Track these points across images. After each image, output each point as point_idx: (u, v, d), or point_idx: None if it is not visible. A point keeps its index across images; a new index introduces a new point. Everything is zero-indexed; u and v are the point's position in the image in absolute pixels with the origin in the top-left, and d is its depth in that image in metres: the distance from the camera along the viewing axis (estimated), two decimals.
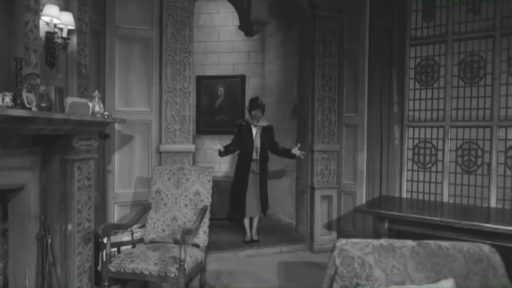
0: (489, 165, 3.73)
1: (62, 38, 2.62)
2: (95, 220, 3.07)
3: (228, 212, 4.86)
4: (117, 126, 3.63)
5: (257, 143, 4.47)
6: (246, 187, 4.51)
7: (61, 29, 2.63)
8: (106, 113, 2.96)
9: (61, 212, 2.71)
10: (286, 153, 4.50)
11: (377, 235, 3.27)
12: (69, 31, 2.68)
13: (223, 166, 5.98)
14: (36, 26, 2.41)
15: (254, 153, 4.45)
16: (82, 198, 2.81)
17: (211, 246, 4.03)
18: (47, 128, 2.33)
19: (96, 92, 2.94)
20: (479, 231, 2.81)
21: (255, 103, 4.50)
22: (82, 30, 2.89)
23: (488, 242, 1.98)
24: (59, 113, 2.44)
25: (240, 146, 4.52)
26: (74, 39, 2.81)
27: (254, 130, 4.51)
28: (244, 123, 4.54)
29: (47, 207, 2.69)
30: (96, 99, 2.88)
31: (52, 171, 2.69)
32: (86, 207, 2.86)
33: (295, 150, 4.39)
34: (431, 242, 1.77)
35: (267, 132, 4.56)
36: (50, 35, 2.53)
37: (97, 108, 2.84)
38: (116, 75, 3.65)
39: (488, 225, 2.81)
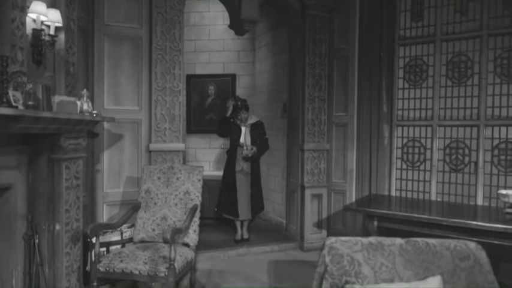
0: (476, 163, 3.79)
1: (49, 35, 2.58)
2: (84, 220, 3.03)
3: (217, 212, 4.79)
4: (106, 125, 3.60)
5: (247, 140, 4.42)
6: (234, 186, 4.46)
7: (48, 27, 2.59)
8: (95, 112, 2.93)
9: (49, 212, 2.68)
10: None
11: (366, 233, 3.30)
12: (57, 28, 2.64)
13: (214, 165, 5.97)
14: (23, 23, 2.37)
15: (246, 151, 4.41)
16: (70, 197, 2.78)
17: (202, 246, 4.02)
18: (34, 127, 2.29)
19: (85, 90, 2.91)
20: (466, 229, 2.86)
21: (237, 107, 4.50)
22: (70, 28, 2.85)
23: (474, 239, 2.01)
24: (46, 112, 2.40)
25: (228, 135, 4.62)
26: (62, 36, 2.77)
27: (243, 128, 4.50)
28: (232, 120, 4.53)
29: (34, 206, 2.65)
30: (85, 98, 2.85)
31: (39, 170, 2.65)
32: (74, 206, 2.83)
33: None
34: (420, 239, 1.79)
35: (256, 129, 4.50)
36: (36, 32, 2.49)
37: (85, 107, 2.81)
38: (105, 73, 3.62)
39: (474, 222, 2.86)
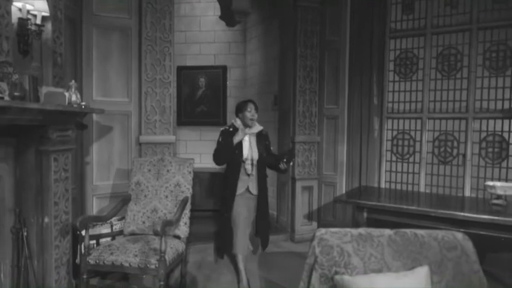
0: (464, 155, 3.85)
1: (35, 25, 2.52)
2: (73, 212, 3.00)
3: (216, 250, 3.69)
4: (95, 116, 3.56)
5: (254, 154, 3.33)
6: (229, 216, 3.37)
7: (35, 16, 2.54)
8: (83, 103, 2.89)
9: (37, 205, 2.65)
10: (274, 166, 3.41)
11: (356, 224, 3.34)
12: (43, 18, 2.59)
13: (205, 157, 5.95)
14: (8, 12, 2.31)
15: (249, 167, 3.32)
16: (59, 190, 2.74)
17: (193, 238, 4.02)
18: (20, 118, 2.25)
19: (73, 81, 2.86)
20: (453, 220, 2.90)
21: (248, 100, 3.48)
22: (57, 18, 2.79)
23: (462, 230, 2.05)
24: (33, 103, 2.36)
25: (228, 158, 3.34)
26: (49, 26, 2.71)
27: (247, 138, 3.35)
28: (231, 129, 3.36)
29: (22, 199, 2.62)
30: (73, 89, 2.80)
31: (27, 162, 2.61)
32: (63, 199, 2.80)
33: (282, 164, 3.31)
34: (408, 230, 1.82)
35: (262, 139, 3.44)
36: (22, 22, 2.44)
37: (74, 98, 2.77)
38: (94, 64, 3.56)
39: (462, 214, 2.90)
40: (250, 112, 3.33)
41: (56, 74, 2.80)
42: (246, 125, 3.36)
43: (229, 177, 3.36)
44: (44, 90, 2.52)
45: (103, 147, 3.64)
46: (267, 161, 3.41)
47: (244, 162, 3.33)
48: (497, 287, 3.01)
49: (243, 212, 3.31)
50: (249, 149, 3.33)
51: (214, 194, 5.51)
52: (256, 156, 3.35)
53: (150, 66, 3.74)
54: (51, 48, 2.74)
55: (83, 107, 2.84)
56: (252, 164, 3.33)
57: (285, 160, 3.26)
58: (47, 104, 2.44)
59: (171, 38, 3.80)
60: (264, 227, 3.50)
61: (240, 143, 3.31)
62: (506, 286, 3.12)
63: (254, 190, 3.39)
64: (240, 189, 3.34)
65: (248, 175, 3.35)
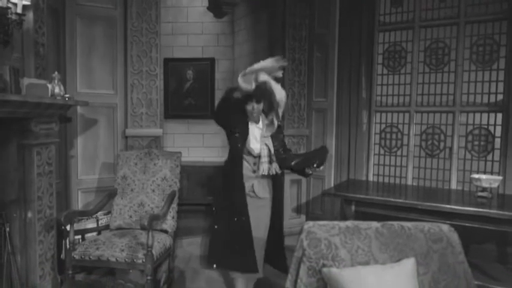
0: (451, 149, 3.91)
1: (16, 14, 2.46)
2: (57, 207, 2.97)
3: (208, 262, 2.76)
4: (79, 109, 3.50)
5: (268, 146, 2.67)
6: (246, 221, 2.60)
7: (15, 5, 2.47)
8: (67, 95, 2.85)
9: (20, 200, 2.61)
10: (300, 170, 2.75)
11: (344, 218, 3.37)
12: (24, 7, 2.52)
13: (193, 151, 5.93)
14: None
15: (265, 166, 2.64)
16: (42, 184, 2.71)
17: (181, 232, 4.02)
18: (1, 111, 2.21)
19: (56, 73, 2.82)
20: (440, 212, 2.96)
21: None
22: (39, 6, 2.72)
23: (448, 222, 2.09)
24: (14, 95, 2.31)
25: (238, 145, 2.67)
26: (30, 15, 2.65)
27: (254, 127, 2.71)
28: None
29: (4, 194, 2.58)
30: (56, 81, 2.76)
31: (9, 156, 2.57)
32: (47, 194, 2.76)
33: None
34: (395, 223, 1.84)
35: (276, 132, 2.76)
36: (2, 11, 2.37)
37: (57, 90, 2.72)
38: (78, 55, 3.50)
39: (448, 206, 2.96)
40: (250, 105, 2.65)
41: (38, 65, 2.74)
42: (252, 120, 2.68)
43: (230, 171, 2.64)
44: (25, 81, 2.47)
45: (88, 140, 3.59)
46: (286, 164, 2.70)
47: (248, 155, 2.64)
48: (482, 278, 3.08)
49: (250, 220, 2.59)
50: (257, 142, 2.64)
51: (202, 187, 5.50)
52: (268, 150, 2.64)
53: (136, 57, 3.69)
54: (32, 38, 2.68)
55: (67, 99, 2.80)
56: (269, 162, 2.63)
57: (315, 165, 2.58)
58: (28, 96, 2.39)
59: (157, 29, 3.75)
60: (278, 241, 2.73)
61: (246, 127, 2.64)
62: (490, 277, 3.20)
63: (263, 192, 2.66)
64: (248, 187, 2.63)
65: (254, 171, 2.65)
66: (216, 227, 2.70)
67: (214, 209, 2.79)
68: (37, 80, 2.60)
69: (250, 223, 2.57)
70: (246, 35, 5.64)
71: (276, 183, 2.75)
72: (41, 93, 2.52)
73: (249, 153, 2.66)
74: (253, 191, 2.64)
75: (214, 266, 2.68)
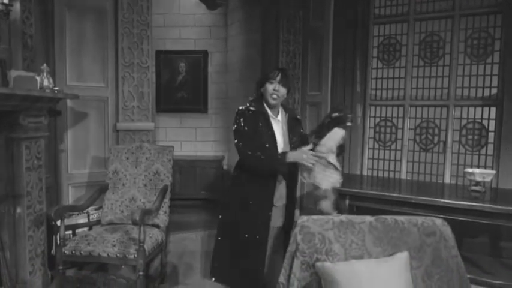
0: (445, 143, 3.94)
1: (2, 4, 2.41)
2: (47, 202, 2.95)
3: (210, 272, 2.51)
4: (69, 102, 3.47)
5: (281, 144, 2.36)
6: (266, 242, 2.30)
7: None
8: (56, 88, 2.82)
9: (8, 195, 2.58)
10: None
11: (338, 212, 3.38)
12: None
13: (185, 145, 5.91)
14: None
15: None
16: (32, 179, 2.68)
17: (174, 227, 4.01)
18: None
19: (45, 65, 2.78)
20: (433, 206, 2.98)
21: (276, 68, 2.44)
22: None
23: (441, 216, 2.11)
24: (1, 87, 2.28)
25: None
26: (17, 6, 2.61)
27: (275, 122, 2.38)
28: (251, 111, 2.34)
29: None
30: (45, 73, 2.73)
31: None
32: (36, 188, 2.74)
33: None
34: (389, 217, 1.86)
35: (295, 125, 2.48)
36: None
37: (46, 83, 2.69)
38: (67, 47, 3.45)
39: (442, 200, 2.98)
40: (272, 84, 2.30)
41: (26, 56, 2.70)
42: (268, 105, 2.36)
43: (256, 180, 2.29)
44: (13, 74, 2.44)
45: (78, 134, 3.56)
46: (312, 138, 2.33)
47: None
48: (474, 271, 3.12)
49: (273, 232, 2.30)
50: (282, 140, 2.35)
51: (195, 182, 5.49)
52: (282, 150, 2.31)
53: (127, 50, 3.65)
54: (20, 29, 2.64)
55: (56, 92, 2.77)
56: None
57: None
58: (16, 88, 2.36)
59: (149, 21, 3.71)
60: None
61: (271, 129, 2.30)
62: (483, 270, 3.25)
63: (283, 199, 2.38)
64: (277, 199, 2.33)
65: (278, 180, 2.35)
66: (219, 238, 2.42)
67: (220, 217, 2.48)
68: (25, 73, 2.56)
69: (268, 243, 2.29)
70: (240, 28, 5.61)
71: (291, 189, 2.43)
72: (29, 86, 2.49)
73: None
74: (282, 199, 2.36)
75: (213, 279, 2.47)
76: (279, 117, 2.38)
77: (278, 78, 2.28)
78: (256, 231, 2.28)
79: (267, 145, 2.26)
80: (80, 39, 3.50)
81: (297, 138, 2.40)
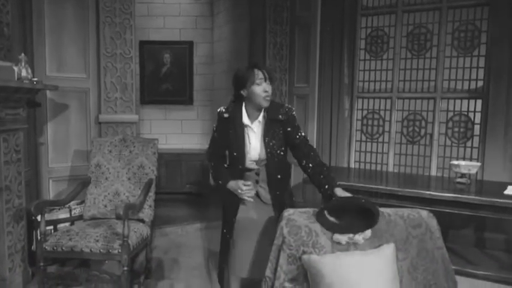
0: (431, 135, 4.00)
1: None
2: (27, 197, 2.90)
3: (219, 271, 2.48)
4: (49, 94, 3.40)
5: (255, 153, 2.19)
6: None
7: None
8: (35, 79, 2.76)
9: None
10: (322, 186, 2.07)
11: None
12: None
13: (171, 138, 5.87)
14: None
15: (255, 170, 2.24)
16: (10, 173, 2.63)
17: (159, 221, 4.00)
18: None
19: (23, 54, 2.71)
20: (419, 198, 3.04)
21: (253, 65, 2.16)
22: None
23: (427, 208, 2.14)
24: None
25: (226, 152, 2.28)
26: None
27: (250, 128, 2.18)
28: (225, 115, 2.19)
29: None
30: (23, 63, 2.66)
31: None
32: (15, 182, 2.68)
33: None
34: None
35: (278, 128, 2.18)
36: None
37: (24, 73, 2.62)
38: (46, 36, 3.37)
39: (428, 192, 3.04)
40: (260, 86, 2.08)
41: (3, 46, 2.63)
42: (257, 109, 2.15)
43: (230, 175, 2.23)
44: None
45: (59, 126, 3.50)
46: (304, 163, 2.18)
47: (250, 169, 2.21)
48: (459, 263, 3.20)
49: (254, 223, 2.22)
50: (255, 145, 2.18)
51: (181, 176, 5.46)
52: (262, 154, 2.18)
53: (109, 39, 3.59)
54: None
55: (35, 83, 2.71)
56: (260, 165, 2.21)
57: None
58: None
59: (131, 10, 3.65)
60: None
61: (242, 137, 2.16)
62: (468, 261, 3.33)
63: (267, 197, 2.24)
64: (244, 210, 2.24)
65: (256, 181, 2.24)
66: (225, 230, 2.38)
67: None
68: (2, 62, 2.50)
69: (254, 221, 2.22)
70: (226, 17, 5.57)
71: (278, 188, 2.26)
72: (6, 77, 2.42)
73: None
74: (263, 196, 2.25)
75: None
76: (260, 118, 2.17)
77: (263, 77, 2.08)
78: (227, 230, 2.31)
79: (235, 154, 2.16)
80: (59, 28, 3.42)
81: (277, 142, 2.16)
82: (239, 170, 2.20)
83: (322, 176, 2.08)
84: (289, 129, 2.16)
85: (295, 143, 2.19)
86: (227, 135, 2.18)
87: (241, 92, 2.11)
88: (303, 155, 2.18)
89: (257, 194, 2.24)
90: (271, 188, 2.22)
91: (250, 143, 2.17)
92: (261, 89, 2.07)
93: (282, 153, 2.19)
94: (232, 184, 2.17)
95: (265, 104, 2.10)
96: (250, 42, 4.78)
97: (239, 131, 2.15)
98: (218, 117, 2.21)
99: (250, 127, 2.16)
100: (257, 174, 2.23)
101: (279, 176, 2.21)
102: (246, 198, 2.14)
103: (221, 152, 2.27)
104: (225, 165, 2.29)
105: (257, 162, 2.19)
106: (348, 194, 1.92)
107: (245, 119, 2.15)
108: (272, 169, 2.20)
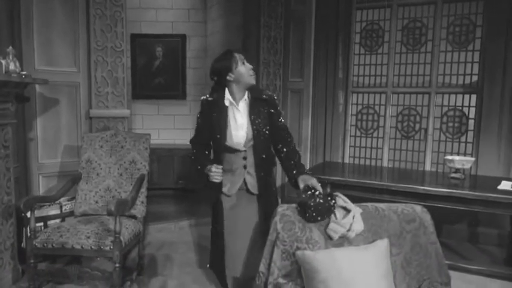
0: (426, 130, 4.03)
1: None
2: (16, 193, 2.88)
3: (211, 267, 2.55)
4: (38, 88, 3.36)
5: (242, 131, 2.23)
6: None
7: None
8: (24, 73, 2.72)
9: None
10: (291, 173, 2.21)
11: None
12: None
13: (163, 133, 5.84)
14: None
15: (242, 153, 2.25)
16: None
17: (152, 217, 3.99)
18: None
19: (10, 47, 2.68)
20: (413, 193, 3.06)
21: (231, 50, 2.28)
22: None
23: (422, 203, 2.16)
24: None
25: (211, 139, 2.31)
26: None
27: (235, 108, 2.23)
28: (211, 99, 2.26)
29: None
30: (11, 56, 2.63)
31: None
32: (4, 179, 2.66)
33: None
34: (369, 204, 1.89)
35: (263, 107, 2.25)
36: None
37: (12, 67, 2.59)
38: (35, 29, 3.32)
39: (422, 187, 3.06)
40: (244, 65, 2.20)
41: None
42: (244, 88, 2.23)
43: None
44: None
45: (49, 122, 3.46)
46: (278, 149, 2.27)
47: (233, 151, 2.24)
48: (453, 258, 3.23)
49: (239, 217, 2.29)
50: (237, 128, 2.23)
51: (174, 171, 5.45)
52: (249, 135, 2.21)
53: (100, 32, 3.55)
54: None
55: (24, 76, 2.68)
56: (246, 149, 2.24)
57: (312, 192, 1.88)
58: None
59: (123, 2, 3.62)
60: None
61: (225, 119, 2.21)
62: (461, 256, 3.37)
63: (254, 187, 2.27)
64: (230, 186, 2.29)
65: (244, 166, 2.26)
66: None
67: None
68: None
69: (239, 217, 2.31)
70: (219, 10, 5.54)
71: (264, 175, 2.30)
72: None
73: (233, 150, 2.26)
74: (249, 186, 2.27)
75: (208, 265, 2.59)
76: (245, 97, 2.24)
77: (244, 57, 2.23)
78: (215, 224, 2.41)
79: (218, 136, 2.20)
80: (48, 20, 3.37)
81: (262, 120, 2.21)
82: (226, 156, 2.26)
83: (292, 162, 2.21)
84: (272, 110, 2.25)
85: (276, 125, 2.26)
86: (210, 119, 2.23)
87: (228, 77, 2.19)
88: (280, 139, 2.27)
89: (244, 182, 2.27)
90: (257, 169, 2.26)
91: (236, 122, 2.22)
92: (246, 68, 2.19)
93: (267, 132, 2.24)
94: (207, 167, 2.20)
95: (253, 80, 2.21)
96: (244, 36, 4.77)
97: (223, 112, 2.21)
98: (201, 103, 2.28)
99: (235, 106, 2.22)
100: (244, 158, 2.25)
101: (264, 156, 2.26)
102: (214, 180, 2.18)
103: (205, 141, 2.33)
104: (207, 153, 2.35)
105: (245, 143, 2.22)
106: (312, 180, 2.03)
107: (229, 100, 2.22)
108: (258, 149, 2.24)
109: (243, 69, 2.19)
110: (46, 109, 3.44)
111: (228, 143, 2.21)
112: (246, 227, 2.25)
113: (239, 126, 2.22)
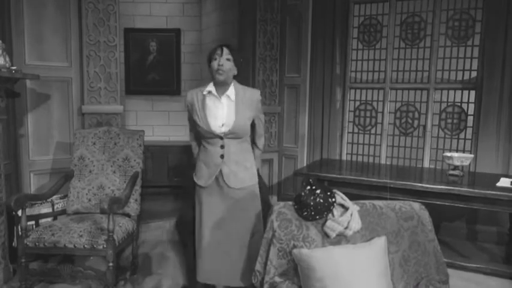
0: (424, 127, 4.04)
1: None
2: (7, 191, 2.86)
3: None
4: (29, 83, 3.33)
5: (219, 121, 2.33)
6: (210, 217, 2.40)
7: None
8: (14, 68, 2.70)
9: None
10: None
11: None
12: None
13: (158, 130, 5.82)
14: None
15: (220, 141, 2.33)
16: None
17: (146, 215, 3.97)
18: None
19: (0, 42, 2.65)
20: (412, 191, 3.08)
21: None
22: None
23: (420, 200, 2.17)
24: None
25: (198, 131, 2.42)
26: None
27: (218, 100, 2.35)
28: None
29: None
30: (0, 51, 2.61)
31: None
32: None
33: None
34: (367, 202, 1.90)
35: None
36: None
37: (1, 62, 2.58)
38: (25, 23, 3.29)
39: (420, 184, 3.08)
40: (216, 60, 2.29)
41: None
42: (219, 83, 2.34)
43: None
44: None
45: (40, 117, 3.44)
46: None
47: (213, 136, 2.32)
48: (451, 255, 3.25)
49: (215, 217, 2.34)
50: (230, 116, 2.32)
51: (168, 169, 5.43)
52: (230, 124, 2.30)
53: (92, 26, 3.53)
54: None
55: (14, 71, 2.66)
56: (223, 144, 2.32)
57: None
58: None
59: None
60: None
61: (204, 109, 2.34)
62: (459, 254, 3.39)
63: (229, 181, 2.32)
64: (207, 178, 2.36)
65: (221, 156, 2.32)
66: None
67: None
68: None
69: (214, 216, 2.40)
70: (215, 4, 5.51)
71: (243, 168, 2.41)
72: None
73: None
74: (225, 180, 2.33)
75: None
76: (228, 92, 2.34)
77: (221, 53, 2.30)
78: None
79: (199, 123, 2.34)
80: (39, 14, 3.34)
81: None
82: (205, 145, 2.39)
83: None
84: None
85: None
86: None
87: (209, 69, 2.36)
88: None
89: (221, 173, 2.33)
90: (234, 161, 2.35)
91: (215, 111, 2.34)
92: (216, 63, 2.30)
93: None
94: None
95: (218, 76, 2.29)
96: (240, 30, 4.75)
97: (202, 102, 2.37)
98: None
99: (216, 97, 2.35)
100: (222, 147, 2.34)
101: (241, 148, 2.39)
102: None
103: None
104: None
105: (226, 134, 2.32)
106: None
107: (210, 91, 2.36)
108: (237, 133, 2.33)
109: (213, 64, 2.31)
110: (37, 105, 3.42)
111: (204, 126, 2.32)
112: (222, 219, 2.35)
113: (218, 117, 2.33)
